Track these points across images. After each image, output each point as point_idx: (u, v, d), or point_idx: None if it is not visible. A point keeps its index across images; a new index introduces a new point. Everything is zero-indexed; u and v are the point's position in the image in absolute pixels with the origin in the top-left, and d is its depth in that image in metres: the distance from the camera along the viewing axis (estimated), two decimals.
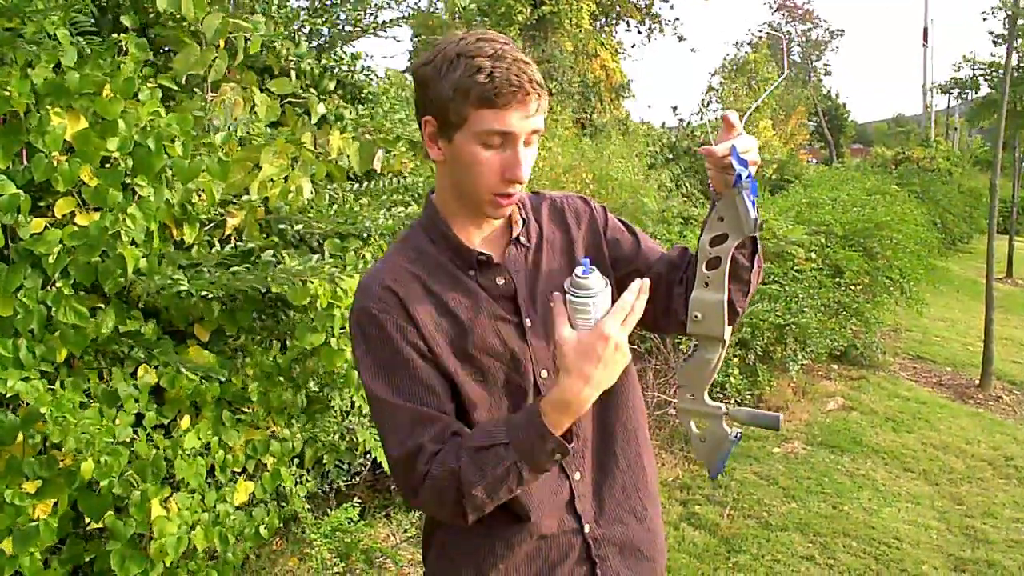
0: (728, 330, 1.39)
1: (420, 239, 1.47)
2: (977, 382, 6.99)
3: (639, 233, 1.60)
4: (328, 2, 3.55)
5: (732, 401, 5.72)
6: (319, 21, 3.47)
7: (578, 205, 1.59)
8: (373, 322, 1.38)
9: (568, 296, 1.27)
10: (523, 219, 1.50)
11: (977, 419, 6.17)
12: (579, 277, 1.26)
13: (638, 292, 1.28)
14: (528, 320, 1.44)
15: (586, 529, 1.47)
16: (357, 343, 1.41)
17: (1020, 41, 7.64)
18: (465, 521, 1.33)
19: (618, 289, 1.48)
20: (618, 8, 24.52)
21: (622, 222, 1.62)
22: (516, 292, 1.45)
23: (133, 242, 2.38)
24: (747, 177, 1.28)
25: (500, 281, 1.44)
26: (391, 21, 3.66)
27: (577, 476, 1.47)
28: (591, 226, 1.57)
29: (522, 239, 1.49)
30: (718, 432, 1.44)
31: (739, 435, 1.44)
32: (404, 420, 1.35)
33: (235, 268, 2.61)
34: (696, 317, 1.39)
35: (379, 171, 3.31)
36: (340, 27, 3.50)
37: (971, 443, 5.58)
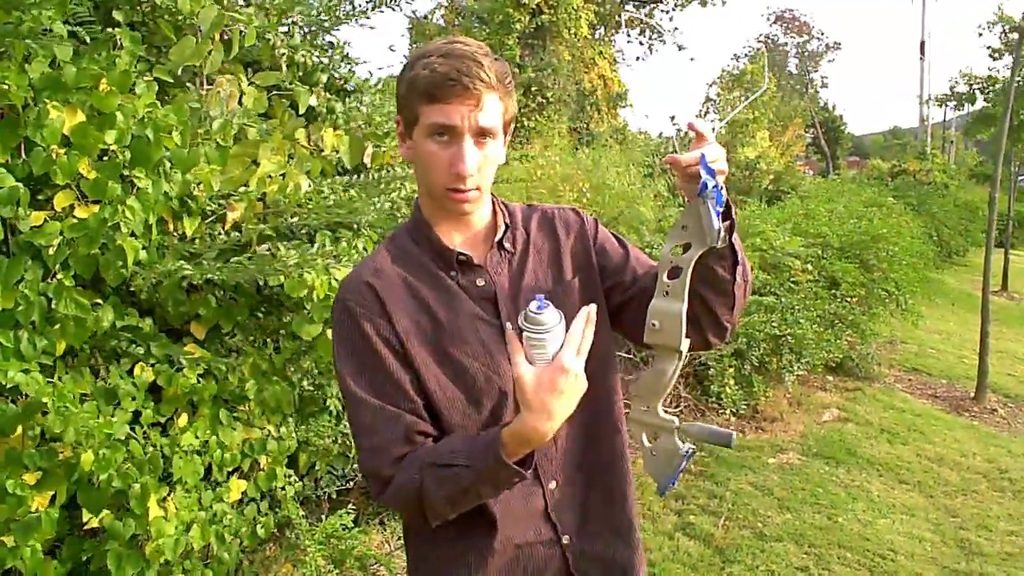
0: (686, 342, 1.36)
1: (404, 239, 1.50)
2: (972, 395, 7.00)
3: (629, 246, 1.61)
4: None
5: (727, 411, 5.72)
6: (310, 13, 3.47)
7: (569, 216, 1.60)
8: (349, 315, 1.41)
9: (524, 332, 1.28)
10: (506, 224, 1.51)
11: (972, 432, 6.17)
12: (533, 312, 1.27)
13: (585, 320, 1.30)
14: (508, 324, 1.43)
15: (564, 540, 1.46)
16: (334, 335, 1.45)
17: (1015, 56, 7.63)
18: (428, 524, 1.38)
19: (605, 299, 1.52)
20: (617, 18, 24.59)
21: (614, 234, 1.62)
22: (496, 294, 1.45)
23: (133, 234, 2.38)
24: (713, 187, 1.26)
25: (480, 282, 1.46)
26: (372, 7, 3.66)
27: (552, 485, 1.46)
28: (580, 237, 1.58)
29: (506, 244, 1.50)
30: (669, 446, 1.40)
31: (692, 451, 1.40)
32: (371, 417, 1.38)
33: (235, 259, 2.62)
34: (653, 326, 1.36)
35: (369, 165, 3.32)
36: (318, 14, 3.50)
37: (966, 455, 5.58)
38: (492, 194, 1.53)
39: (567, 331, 1.29)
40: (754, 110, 17.03)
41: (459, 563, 1.44)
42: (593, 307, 1.31)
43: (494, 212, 1.53)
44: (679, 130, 15.10)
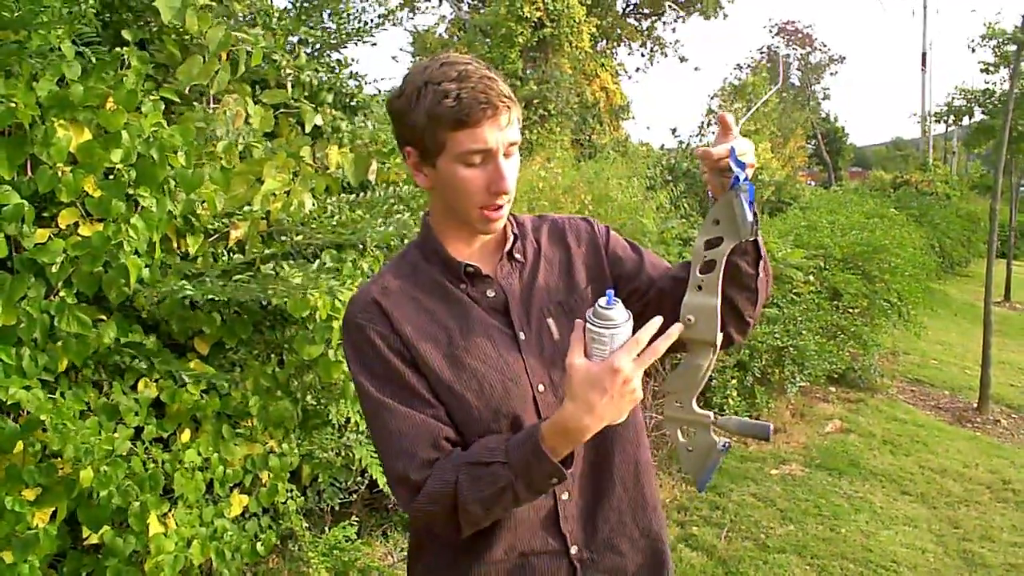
0: (720, 336, 1.35)
1: (414, 256, 1.50)
2: (975, 405, 6.98)
3: (643, 251, 1.59)
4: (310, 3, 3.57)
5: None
6: (314, 32, 3.50)
7: (579, 225, 1.60)
8: (359, 332, 1.40)
9: (588, 324, 1.26)
10: (515, 235, 1.50)
11: (975, 443, 6.16)
12: (602, 307, 1.25)
13: (657, 331, 1.26)
14: (522, 334, 1.44)
15: (572, 551, 1.44)
16: (348, 354, 1.43)
17: (1012, 68, 7.66)
18: (459, 534, 1.34)
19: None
20: (619, 31, 24.69)
21: (627, 240, 1.61)
22: (508, 305, 1.45)
23: (136, 252, 2.40)
24: (744, 179, 1.26)
25: (491, 293, 1.45)
26: (377, 23, 3.70)
27: (565, 496, 1.44)
28: (592, 245, 1.57)
29: (516, 255, 1.50)
30: (706, 441, 1.40)
31: (728, 445, 1.39)
32: (396, 423, 1.36)
33: (237, 277, 2.64)
34: (689, 320, 1.35)
35: (373, 182, 3.34)
36: (327, 32, 3.54)
37: (969, 466, 5.57)
38: None
39: (633, 334, 1.25)
40: (755, 121, 17.07)
41: (467, 569, 1.43)
42: (659, 319, 1.28)
43: (505, 224, 1.51)
44: (680, 141, 15.13)
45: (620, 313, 1.25)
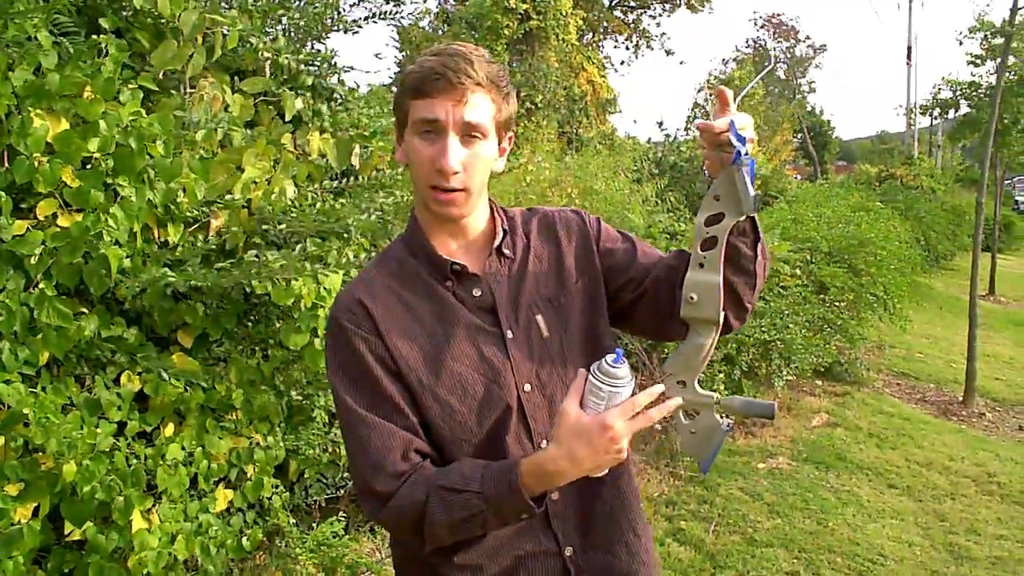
0: (722, 314, 1.34)
1: (401, 251, 1.49)
2: (960, 399, 7.02)
3: (636, 240, 1.57)
4: None
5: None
6: (294, 15, 3.46)
7: (570, 218, 1.57)
8: (342, 333, 1.39)
9: (590, 376, 1.26)
10: (504, 230, 1.48)
11: (960, 436, 6.19)
12: (608, 364, 1.25)
13: (656, 399, 1.26)
14: (509, 332, 1.42)
15: (566, 552, 1.42)
16: (327, 354, 1.43)
17: (1000, 61, 7.68)
18: (421, 548, 1.35)
19: (613, 299, 1.49)
20: (605, 23, 24.67)
21: (618, 231, 1.59)
22: (495, 304, 1.43)
23: (116, 242, 2.37)
24: (745, 154, 1.25)
25: (477, 292, 1.43)
26: (364, 19, 3.67)
27: (555, 495, 1.41)
28: (582, 238, 1.55)
29: (505, 251, 1.47)
30: (709, 422, 1.39)
31: (730, 425, 1.39)
32: (366, 433, 1.35)
33: (220, 265, 2.60)
34: (691, 299, 1.34)
35: (357, 167, 3.30)
36: (308, 20, 3.49)
37: (954, 460, 5.59)
38: (491, 199, 1.51)
39: (633, 396, 1.25)
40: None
41: (454, 568, 1.41)
42: (660, 388, 1.29)
43: (492, 218, 1.50)
44: (667, 135, 15.15)
45: (625, 372, 1.25)
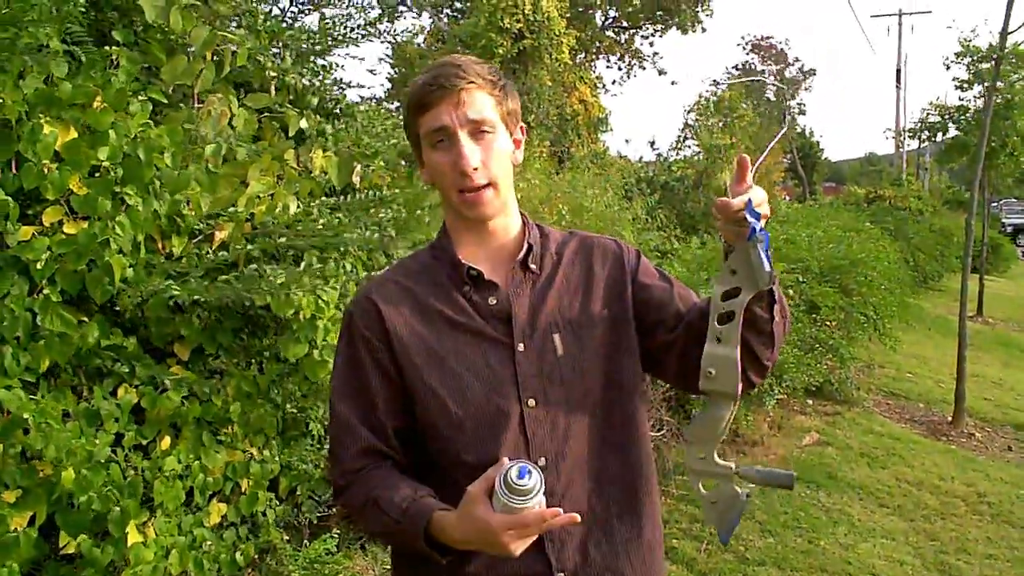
0: (740, 387, 1.35)
1: (425, 256, 1.53)
2: (950, 419, 7.03)
3: (674, 281, 1.56)
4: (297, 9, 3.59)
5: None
6: (298, 35, 3.50)
7: (608, 246, 1.57)
8: (351, 325, 1.47)
9: (496, 478, 1.25)
10: (530, 244, 1.48)
11: (950, 456, 6.20)
12: (513, 479, 1.23)
13: (550, 516, 1.25)
14: (521, 345, 1.42)
15: None
16: (338, 342, 1.52)
17: (988, 85, 7.77)
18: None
19: (645, 337, 1.49)
20: (598, 43, 24.81)
21: (657, 269, 1.59)
22: (511, 314, 1.43)
23: (120, 251, 2.38)
24: (761, 230, 1.27)
25: (493, 301, 1.44)
26: (361, 29, 3.71)
27: None
28: (617, 268, 1.53)
29: (531, 265, 1.48)
30: (729, 492, 1.39)
31: (749, 495, 1.39)
32: (336, 428, 1.46)
33: (222, 278, 2.62)
34: (709, 373, 1.34)
35: (357, 186, 3.34)
36: (312, 34, 3.53)
37: (945, 479, 5.60)
38: (523, 213, 1.53)
39: (528, 512, 1.24)
40: (731, 135, 17.17)
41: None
42: (566, 518, 1.27)
43: (523, 232, 1.51)
44: (659, 154, 15.20)
45: (530, 485, 1.24)
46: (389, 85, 19.23)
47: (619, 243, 1.59)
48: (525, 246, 1.48)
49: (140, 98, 2.53)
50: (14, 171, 2.32)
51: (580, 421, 1.43)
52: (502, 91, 1.42)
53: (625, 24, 25.98)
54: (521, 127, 1.49)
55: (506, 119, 1.43)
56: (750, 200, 1.26)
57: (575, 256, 1.54)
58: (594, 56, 25.02)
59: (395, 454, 1.44)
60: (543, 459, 1.40)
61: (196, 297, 2.50)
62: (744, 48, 35.58)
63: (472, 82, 1.37)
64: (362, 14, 3.67)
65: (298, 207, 2.96)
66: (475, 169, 1.37)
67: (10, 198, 2.25)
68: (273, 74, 3.12)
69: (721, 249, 1.36)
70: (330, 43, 3.49)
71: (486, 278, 1.44)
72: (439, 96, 1.36)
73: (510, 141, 1.45)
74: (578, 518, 1.29)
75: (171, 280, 2.51)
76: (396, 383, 1.42)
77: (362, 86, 14.06)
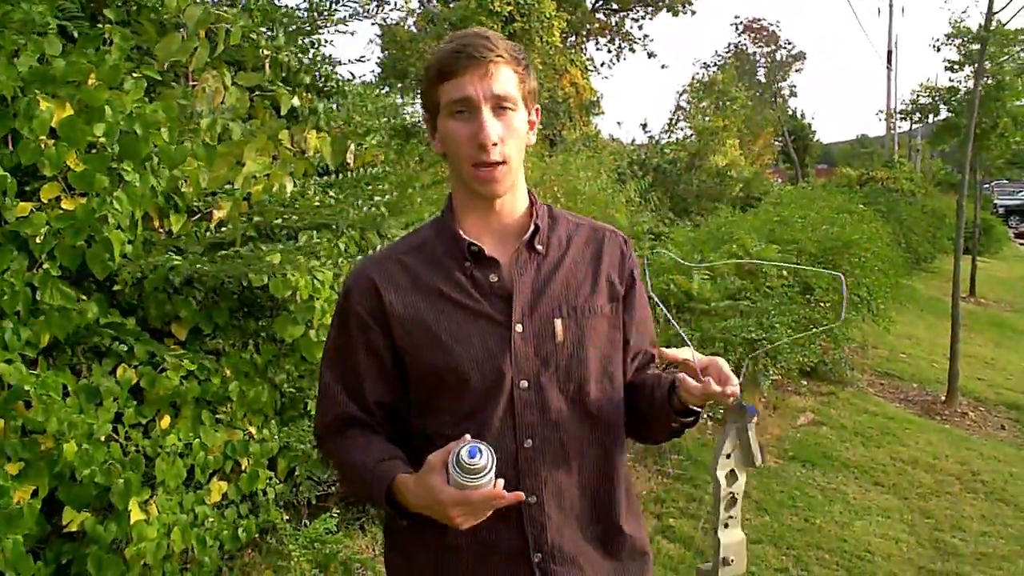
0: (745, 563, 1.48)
1: (428, 231, 1.52)
2: (943, 398, 7.08)
3: (648, 323, 1.60)
4: None
5: (705, 417, 5.73)
6: (290, 13, 3.48)
7: (619, 243, 1.56)
8: (346, 299, 1.48)
9: (448, 457, 1.25)
10: (537, 225, 1.47)
11: (944, 434, 6.25)
12: (464, 459, 1.23)
13: (495, 497, 1.25)
14: (519, 326, 1.40)
15: (535, 559, 1.41)
16: (335, 311, 1.54)
17: (977, 66, 7.76)
18: None
19: None
20: (588, 26, 24.72)
21: (644, 297, 1.58)
22: (512, 294, 1.42)
23: (119, 227, 2.37)
24: (751, 409, 1.36)
25: (493, 278, 1.43)
26: (350, 16, 3.70)
27: (532, 499, 1.40)
28: (620, 270, 1.53)
29: (537, 245, 1.46)
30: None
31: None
32: (320, 391, 1.52)
33: (223, 253, 2.62)
34: (728, 561, 1.44)
35: (352, 164, 3.33)
36: (300, 17, 3.52)
37: (939, 458, 5.64)
38: (532, 193, 1.51)
39: (479, 489, 1.24)
40: (723, 118, 17.17)
41: (435, 553, 1.44)
42: (506, 496, 1.26)
43: (530, 211, 1.49)
44: (651, 137, 15.19)
45: (480, 464, 1.23)
46: (379, 69, 19.10)
47: (627, 242, 1.59)
48: (532, 226, 1.46)
49: (135, 75, 2.52)
50: (11, 147, 2.31)
51: (571, 409, 1.43)
52: (525, 70, 1.41)
53: (615, 6, 25.89)
54: (536, 109, 1.47)
55: (526, 98, 1.42)
56: (741, 390, 1.34)
57: (587, 243, 1.52)
58: (584, 38, 24.94)
59: (374, 422, 1.46)
60: (529, 441, 1.40)
61: (197, 269, 2.49)
62: (736, 29, 35.35)
63: (500, 56, 1.36)
64: None
65: (294, 186, 2.95)
66: (494, 144, 1.35)
67: (8, 174, 2.23)
68: (267, 52, 3.10)
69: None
70: (324, 17, 3.47)
71: (487, 254, 1.43)
72: (465, 65, 1.34)
73: (526, 122, 1.43)
74: (523, 496, 1.30)
75: (170, 254, 2.50)
76: (385, 359, 1.44)
77: (351, 61, 13.82)
